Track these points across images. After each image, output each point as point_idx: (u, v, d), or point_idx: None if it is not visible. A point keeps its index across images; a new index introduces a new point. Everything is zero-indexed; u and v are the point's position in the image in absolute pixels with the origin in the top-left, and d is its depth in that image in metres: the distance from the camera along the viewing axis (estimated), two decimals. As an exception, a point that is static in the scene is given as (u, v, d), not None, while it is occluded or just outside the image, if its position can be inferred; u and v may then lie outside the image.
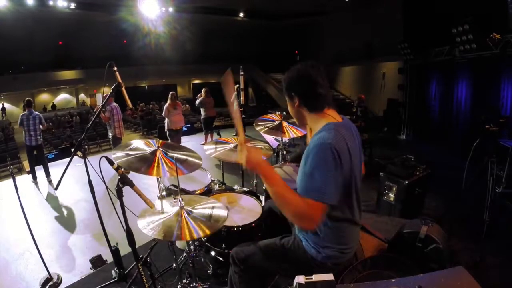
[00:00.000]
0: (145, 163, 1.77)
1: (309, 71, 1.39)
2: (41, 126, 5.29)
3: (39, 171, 5.41)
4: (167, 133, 6.52)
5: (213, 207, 1.71)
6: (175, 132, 6.48)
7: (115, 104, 5.51)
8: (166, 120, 6.44)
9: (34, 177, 5.35)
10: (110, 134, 5.67)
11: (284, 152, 3.24)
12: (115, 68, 2.05)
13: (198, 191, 2.38)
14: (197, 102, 7.31)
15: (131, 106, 2.29)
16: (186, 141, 7.47)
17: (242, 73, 3.68)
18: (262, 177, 1.31)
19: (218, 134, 7.81)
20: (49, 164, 5.65)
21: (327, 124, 1.37)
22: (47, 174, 5.39)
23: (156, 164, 1.79)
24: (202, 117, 7.44)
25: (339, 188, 1.27)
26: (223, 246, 1.97)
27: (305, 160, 1.34)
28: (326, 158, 1.24)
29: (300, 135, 2.74)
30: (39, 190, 5.06)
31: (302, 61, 1.45)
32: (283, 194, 1.26)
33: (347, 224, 1.40)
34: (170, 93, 6.50)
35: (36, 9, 12.85)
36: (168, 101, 6.35)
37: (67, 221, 3.88)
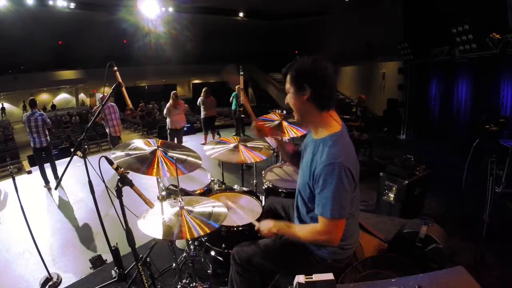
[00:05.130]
0: (145, 163, 1.77)
1: (326, 65, 1.34)
2: (45, 126, 4.90)
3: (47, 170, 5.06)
4: (168, 132, 6.53)
5: (213, 207, 1.71)
6: (176, 132, 6.50)
7: (110, 103, 5.38)
8: (168, 120, 6.47)
9: (46, 182, 5.02)
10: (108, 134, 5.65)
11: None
12: (116, 68, 2.04)
13: (198, 191, 2.38)
14: (198, 101, 7.46)
15: (131, 106, 2.29)
16: (185, 141, 7.47)
17: (242, 73, 3.66)
18: (283, 234, 1.51)
19: (218, 134, 7.81)
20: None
21: (333, 135, 1.36)
22: (55, 176, 5.10)
23: (155, 164, 1.78)
24: (201, 117, 7.53)
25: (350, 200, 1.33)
26: (223, 246, 1.97)
27: (311, 171, 1.35)
28: (342, 179, 1.26)
29: (300, 135, 2.73)
30: (50, 194, 4.87)
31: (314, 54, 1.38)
32: (301, 235, 1.41)
33: (346, 220, 1.40)
34: (172, 92, 6.52)
35: (36, 9, 12.83)
36: (170, 101, 6.38)
37: (67, 221, 3.87)
